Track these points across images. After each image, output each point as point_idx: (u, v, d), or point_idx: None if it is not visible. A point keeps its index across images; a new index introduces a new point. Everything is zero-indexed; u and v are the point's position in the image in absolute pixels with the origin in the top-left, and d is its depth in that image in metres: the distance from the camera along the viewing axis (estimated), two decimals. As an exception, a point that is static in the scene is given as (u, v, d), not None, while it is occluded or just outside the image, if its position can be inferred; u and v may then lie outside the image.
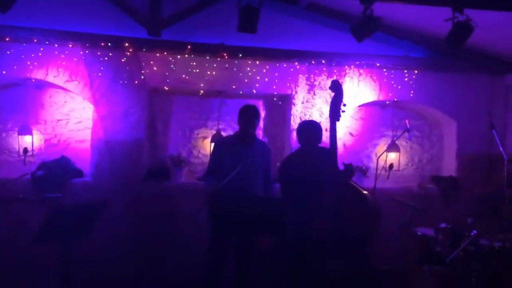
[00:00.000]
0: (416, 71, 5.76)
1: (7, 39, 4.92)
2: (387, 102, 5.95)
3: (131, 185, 5.10)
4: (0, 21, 4.60)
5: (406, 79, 5.77)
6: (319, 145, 4.01)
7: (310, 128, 3.98)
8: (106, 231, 4.38)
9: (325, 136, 4.42)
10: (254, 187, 3.94)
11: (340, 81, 5.51)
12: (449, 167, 6.05)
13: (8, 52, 5.00)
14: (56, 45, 5.09)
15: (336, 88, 3.66)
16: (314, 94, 5.65)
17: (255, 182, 3.98)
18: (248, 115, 4.09)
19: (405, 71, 5.75)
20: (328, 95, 5.63)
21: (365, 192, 3.51)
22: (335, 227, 3.30)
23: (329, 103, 3.72)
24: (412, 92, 5.78)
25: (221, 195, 3.53)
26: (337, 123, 3.63)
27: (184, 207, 4.48)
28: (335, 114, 3.61)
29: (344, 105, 3.65)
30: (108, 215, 3.68)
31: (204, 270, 4.01)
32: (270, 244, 4.37)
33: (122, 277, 4.72)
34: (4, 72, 5.02)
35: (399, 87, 5.77)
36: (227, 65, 5.42)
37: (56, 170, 5.02)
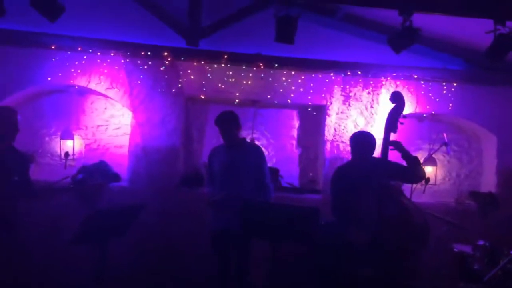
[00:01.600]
0: (455, 84, 5.64)
1: (53, 47, 5.14)
2: (424, 115, 5.85)
3: (166, 190, 5.20)
4: (47, 29, 4.81)
5: (444, 92, 5.66)
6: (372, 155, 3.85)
7: (363, 140, 3.81)
8: (140, 234, 4.47)
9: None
10: (244, 191, 3.84)
11: (377, 92, 5.58)
12: (488, 182, 5.87)
13: (53, 60, 5.22)
14: (98, 54, 5.29)
15: (397, 99, 3.58)
16: (349, 105, 5.62)
17: (245, 186, 3.89)
18: (218, 123, 4.04)
19: (444, 84, 5.64)
20: (364, 106, 5.61)
21: (412, 205, 3.45)
22: (377, 237, 3.26)
23: (388, 113, 3.61)
24: (450, 105, 5.66)
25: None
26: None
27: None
28: (392, 125, 3.53)
29: (404, 117, 3.58)
30: (143, 219, 3.76)
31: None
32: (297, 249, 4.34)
33: (153, 278, 4.80)
34: (49, 78, 5.24)
35: (437, 99, 5.66)
36: (262, 75, 5.47)
37: (95, 174, 5.17)
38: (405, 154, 3.57)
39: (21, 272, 3.80)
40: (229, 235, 3.91)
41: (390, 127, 3.53)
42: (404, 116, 3.57)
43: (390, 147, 3.56)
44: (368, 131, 5.43)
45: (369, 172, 3.52)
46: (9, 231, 3.42)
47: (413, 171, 3.58)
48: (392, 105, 3.62)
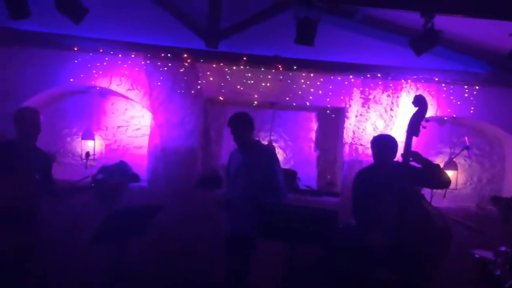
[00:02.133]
0: (476, 87, 5.55)
1: (75, 49, 5.23)
2: (445, 118, 5.77)
3: (184, 191, 5.24)
4: (70, 31, 4.91)
5: (466, 95, 5.57)
6: (394, 159, 3.81)
7: (384, 143, 3.77)
8: (157, 234, 4.51)
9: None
10: (254, 193, 3.82)
11: (397, 95, 5.53)
12: (511, 187, 5.76)
13: (76, 61, 5.32)
14: (120, 55, 5.36)
15: (420, 103, 3.55)
16: (369, 108, 5.58)
17: (255, 188, 3.85)
18: (230, 124, 4.02)
19: (465, 87, 5.56)
20: (383, 109, 5.56)
21: (434, 209, 3.41)
22: (398, 241, 3.23)
23: (410, 117, 3.56)
24: (472, 108, 5.57)
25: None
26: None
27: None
28: (414, 129, 3.49)
29: (427, 120, 3.54)
30: (160, 219, 3.80)
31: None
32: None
33: (169, 278, 4.84)
34: (71, 79, 5.34)
35: (459, 102, 5.58)
36: (281, 77, 5.47)
37: (115, 174, 5.24)
38: (425, 164, 3.52)
39: (41, 271, 3.88)
40: (242, 240, 3.91)
41: (412, 131, 3.49)
42: (427, 120, 3.52)
43: (409, 158, 3.51)
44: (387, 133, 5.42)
45: (391, 176, 3.49)
46: (32, 230, 3.49)
47: (437, 178, 3.54)
48: (414, 109, 3.57)
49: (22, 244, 3.37)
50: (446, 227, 3.36)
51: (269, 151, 4.18)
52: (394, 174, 3.48)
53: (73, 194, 4.08)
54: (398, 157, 3.63)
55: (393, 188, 3.38)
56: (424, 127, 3.52)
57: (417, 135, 3.50)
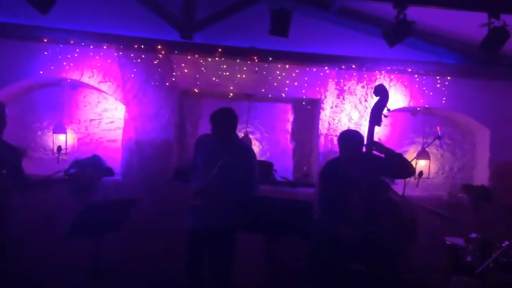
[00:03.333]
0: (449, 78, 5.66)
1: (45, 40, 5.08)
2: (418, 109, 5.86)
3: (160, 184, 5.18)
4: (39, 22, 4.77)
5: (438, 86, 5.67)
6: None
7: (351, 138, 3.74)
8: (133, 228, 4.45)
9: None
10: (232, 189, 3.68)
11: (371, 86, 5.58)
12: (481, 176, 5.91)
13: (45, 53, 5.17)
14: (91, 47, 5.24)
15: (381, 92, 3.57)
16: (344, 99, 5.62)
17: (230, 185, 3.68)
18: (215, 119, 3.79)
19: (438, 77, 5.65)
20: (358, 100, 5.61)
21: (401, 199, 3.45)
22: (367, 233, 3.27)
23: (372, 107, 3.56)
24: (444, 98, 5.68)
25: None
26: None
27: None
28: (376, 118, 3.51)
29: (389, 110, 3.57)
30: (136, 212, 3.75)
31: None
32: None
33: (147, 271, 4.81)
34: (41, 72, 5.19)
35: (431, 93, 5.68)
36: (257, 69, 5.45)
37: (88, 168, 5.15)
38: (388, 154, 3.56)
39: (16, 267, 3.80)
40: (210, 235, 3.74)
41: (374, 121, 3.52)
42: (388, 109, 3.57)
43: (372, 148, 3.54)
44: (361, 125, 5.49)
45: (358, 168, 3.52)
46: (2, 225, 3.40)
47: (400, 167, 3.58)
48: (376, 98, 3.60)
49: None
50: (412, 218, 3.43)
51: (249, 148, 4.06)
52: (360, 166, 3.51)
53: (45, 187, 3.96)
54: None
55: (360, 179, 3.41)
56: (385, 116, 3.55)
57: (379, 125, 3.53)
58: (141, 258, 4.90)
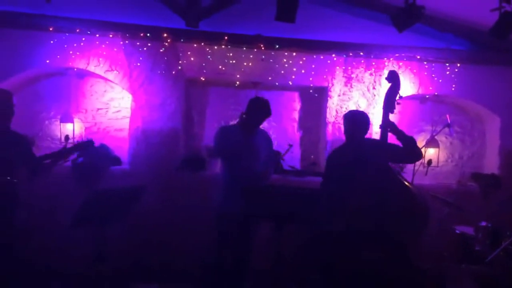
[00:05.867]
0: (458, 64, 5.57)
1: (50, 29, 5.06)
2: (427, 96, 5.79)
3: (167, 173, 5.18)
4: (45, 11, 4.75)
5: (447, 73, 5.59)
6: (366, 136, 3.77)
7: (356, 118, 3.71)
8: (140, 216, 4.46)
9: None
10: (256, 173, 3.95)
11: (379, 73, 5.52)
12: (491, 164, 5.85)
13: (51, 42, 5.15)
14: (97, 35, 5.21)
15: (394, 78, 3.53)
16: (351, 87, 5.56)
17: (255, 169, 3.96)
18: (253, 109, 3.94)
19: (447, 64, 5.57)
20: (366, 87, 5.55)
21: (413, 188, 3.41)
22: (377, 221, 3.24)
23: (385, 94, 3.55)
24: (453, 86, 5.60)
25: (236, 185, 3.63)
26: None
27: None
28: (389, 105, 3.49)
29: (401, 97, 3.53)
30: (143, 201, 3.75)
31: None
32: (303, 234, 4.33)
33: (152, 259, 4.82)
34: (47, 61, 5.18)
35: (440, 80, 5.60)
36: (263, 57, 5.40)
37: (96, 157, 5.14)
38: (400, 135, 3.53)
39: (21, 253, 3.83)
40: (240, 219, 3.83)
41: (388, 108, 3.49)
42: (400, 96, 3.52)
43: (388, 129, 3.51)
44: (369, 113, 5.43)
45: (365, 154, 3.48)
46: (10, 211, 3.42)
47: (409, 150, 3.54)
48: (388, 85, 3.56)
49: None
50: (425, 203, 3.38)
51: (267, 134, 4.26)
52: (368, 152, 3.48)
53: (53, 166, 3.93)
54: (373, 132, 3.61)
55: (367, 166, 3.37)
56: (398, 103, 3.52)
57: (392, 112, 3.51)
58: (147, 245, 4.92)
